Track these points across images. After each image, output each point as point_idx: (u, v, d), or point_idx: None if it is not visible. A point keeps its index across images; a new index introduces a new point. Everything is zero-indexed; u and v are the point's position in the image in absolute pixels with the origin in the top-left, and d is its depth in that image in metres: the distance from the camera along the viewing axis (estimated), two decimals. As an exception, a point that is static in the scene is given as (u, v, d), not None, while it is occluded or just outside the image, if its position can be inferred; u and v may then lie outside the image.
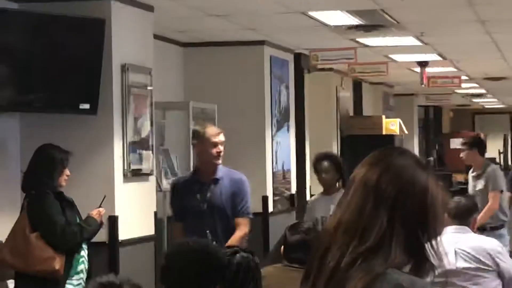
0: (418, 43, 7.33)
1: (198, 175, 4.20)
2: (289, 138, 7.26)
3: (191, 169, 5.22)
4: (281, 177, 6.94)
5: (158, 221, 5.20)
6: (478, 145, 6.32)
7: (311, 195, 6.65)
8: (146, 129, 4.98)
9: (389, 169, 1.15)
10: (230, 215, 4.08)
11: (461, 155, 6.29)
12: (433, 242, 1.15)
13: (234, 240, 3.96)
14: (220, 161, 4.15)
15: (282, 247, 3.42)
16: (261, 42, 6.81)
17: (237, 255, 2.54)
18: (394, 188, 1.12)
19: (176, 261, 2.44)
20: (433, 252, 1.14)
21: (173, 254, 2.55)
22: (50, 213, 4.03)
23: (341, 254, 1.10)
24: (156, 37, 5.51)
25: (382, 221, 1.10)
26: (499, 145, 16.41)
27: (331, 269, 1.11)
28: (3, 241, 4.30)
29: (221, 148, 4.13)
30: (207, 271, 2.40)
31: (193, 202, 4.10)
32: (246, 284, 2.53)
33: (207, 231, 3.95)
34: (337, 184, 4.76)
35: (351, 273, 1.08)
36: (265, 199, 6.46)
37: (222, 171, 4.16)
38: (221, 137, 4.16)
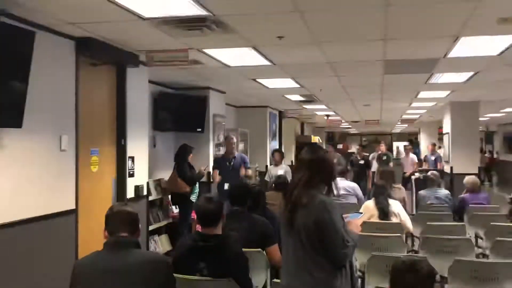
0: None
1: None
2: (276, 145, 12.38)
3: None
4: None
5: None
6: None
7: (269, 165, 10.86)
8: (221, 139, 8.77)
9: (313, 153, 2.64)
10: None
11: None
12: (333, 182, 2.66)
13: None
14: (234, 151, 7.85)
15: (273, 185, 6.09)
16: (265, 107, 11.57)
17: (256, 187, 4.52)
18: (315, 161, 2.59)
19: (234, 190, 4.16)
20: (333, 186, 2.64)
21: (233, 187, 4.35)
22: (185, 169, 6.91)
23: (298, 191, 2.51)
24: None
25: (313, 175, 2.54)
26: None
27: (295, 197, 2.53)
28: (167, 181, 7.21)
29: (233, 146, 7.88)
30: (246, 193, 4.09)
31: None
32: (259, 198, 4.37)
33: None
34: (282, 161, 9.11)
35: (302, 196, 2.49)
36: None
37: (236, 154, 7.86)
38: (233, 140, 7.91)
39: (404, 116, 15.89)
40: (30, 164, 4.06)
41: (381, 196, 5.18)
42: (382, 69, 6.67)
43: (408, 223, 5.12)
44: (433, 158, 12.54)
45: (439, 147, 13.84)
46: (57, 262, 4.34)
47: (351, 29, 4.53)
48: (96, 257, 2.54)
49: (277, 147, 11.90)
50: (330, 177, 2.58)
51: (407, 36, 4.85)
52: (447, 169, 11.08)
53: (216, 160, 8.10)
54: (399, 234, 4.67)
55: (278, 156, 9.05)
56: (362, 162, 11.15)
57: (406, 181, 11.23)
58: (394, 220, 5.04)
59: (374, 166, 10.76)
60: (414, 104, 11.75)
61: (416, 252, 5.04)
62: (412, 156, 12.50)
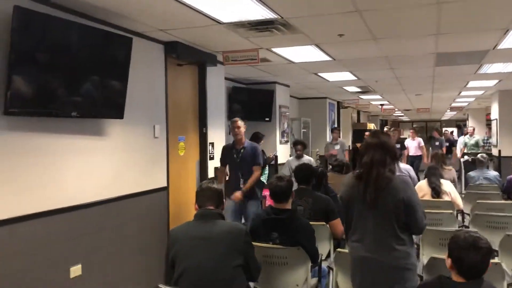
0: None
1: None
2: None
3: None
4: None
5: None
6: None
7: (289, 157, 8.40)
8: (285, 126, 8.78)
9: (380, 137, 2.50)
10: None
11: None
12: (396, 163, 2.52)
13: (249, 181, 4.99)
14: (239, 137, 5.01)
15: (330, 167, 6.46)
16: (325, 98, 11.35)
17: (319, 168, 4.70)
18: (384, 144, 2.46)
19: (299, 170, 4.18)
20: (397, 167, 2.51)
21: (298, 168, 4.20)
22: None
23: (378, 170, 2.40)
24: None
25: (384, 157, 2.43)
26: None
27: (375, 177, 2.39)
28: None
29: (236, 131, 4.99)
30: (311, 173, 4.12)
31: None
32: (322, 178, 4.42)
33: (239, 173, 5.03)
34: (303, 154, 6.99)
35: (384, 176, 2.39)
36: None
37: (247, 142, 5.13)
38: (238, 123, 5.04)
39: (453, 104, 15.15)
40: (130, 150, 4.25)
41: (433, 176, 5.02)
42: (434, 62, 6.41)
43: (459, 201, 4.95)
44: (472, 142, 11.90)
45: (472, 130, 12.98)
46: (153, 229, 4.55)
47: (406, 26, 4.39)
48: (187, 225, 2.68)
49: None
50: (395, 158, 2.52)
51: (459, 30, 4.63)
52: (495, 152, 10.55)
53: (222, 150, 5.45)
54: (451, 211, 4.52)
55: (301, 148, 7.17)
56: (398, 145, 10.69)
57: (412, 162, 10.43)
58: (446, 198, 4.87)
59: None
60: (463, 93, 11.19)
61: (466, 227, 4.86)
62: (418, 139, 11.41)
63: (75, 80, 3.38)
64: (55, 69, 3.18)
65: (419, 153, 11.11)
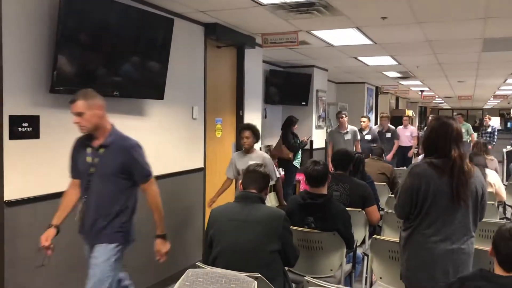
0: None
1: None
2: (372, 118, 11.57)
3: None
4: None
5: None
6: None
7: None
8: (321, 111, 8.54)
9: (450, 124, 2.37)
10: None
11: None
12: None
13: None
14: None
15: (369, 154, 5.89)
16: (363, 83, 11.19)
17: (356, 155, 4.49)
18: (456, 131, 2.37)
19: (337, 156, 4.14)
20: None
21: (336, 154, 4.21)
22: (289, 138, 6.76)
23: (465, 164, 2.33)
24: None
25: (460, 146, 2.33)
26: None
27: (461, 167, 2.31)
28: (274, 147, 7.20)
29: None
30: (348, 159, 4.07)
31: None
32: (359, 164, 4.34)
33: None
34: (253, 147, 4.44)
35: (467, 167, 2.34)
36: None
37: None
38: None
39: (497, 92, 14.56)
40: (169, 130, 4.31)
41: (478, 166, 4.82)
42: (480, 47, 6.15)
43: (502, 192, 4.77)
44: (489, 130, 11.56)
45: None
46: (190, 209, 4.63)
47: (453, 9, 4.21)
48: (228, 206, 2.71)
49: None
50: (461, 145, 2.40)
51: (508, 15, 4.41)
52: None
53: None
54: (492, 202, 4.36)
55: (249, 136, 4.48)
56: (389, 135, 10.01)
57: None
58: (489, 189, 4.70)
59: None
60: (509, 81, 10.70)
61: (508, 219, 4.70)
62: (411, 128, 9.82)
63: (117, 60, 3.44)
64: (98, 49, 3.25)
65: (410, 144, 9.57)
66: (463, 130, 8.99)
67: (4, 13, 2.73)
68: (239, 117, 5.63)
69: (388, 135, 8.77)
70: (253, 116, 5.88)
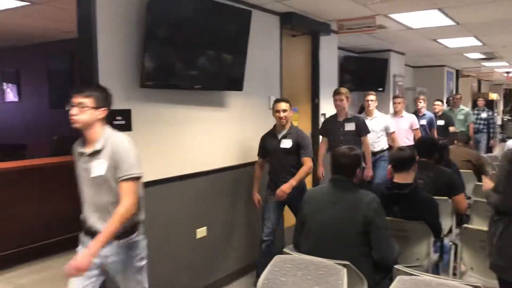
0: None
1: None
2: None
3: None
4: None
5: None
6: None
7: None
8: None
9: None
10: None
11: None
12: None
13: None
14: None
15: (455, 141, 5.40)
16: (442, 66, 10.83)
17: (440, 141, 4.27)
18: None
19: (422, 143, 4.15)
20: None
21: (420, 141, 5.43)
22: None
23: None
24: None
25: None
26: None
27: None
28: None
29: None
30: (433, 146, 3.92)
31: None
32: (444, 151, 4.16)
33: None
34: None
35: None
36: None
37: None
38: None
39: None
40: (247, 120, 4.40)
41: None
42: None
43: None
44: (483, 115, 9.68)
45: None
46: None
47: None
48: (321, 188, 2.82)
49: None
50: None
51: None
52: None
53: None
54: None
55: None
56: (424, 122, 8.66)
57: None
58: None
59: None
60: None
61: None
62: (410, 118, 6.39)
63: (198, 55, 3.57)
64: (181, 46, 3.39)
65: (409, 141, 6.11)
66: (461, 117, 8.03)
67: (99, 19, 2.96)
68: (315, 106, 5.62)
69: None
70: (328, 104, 5.82)
